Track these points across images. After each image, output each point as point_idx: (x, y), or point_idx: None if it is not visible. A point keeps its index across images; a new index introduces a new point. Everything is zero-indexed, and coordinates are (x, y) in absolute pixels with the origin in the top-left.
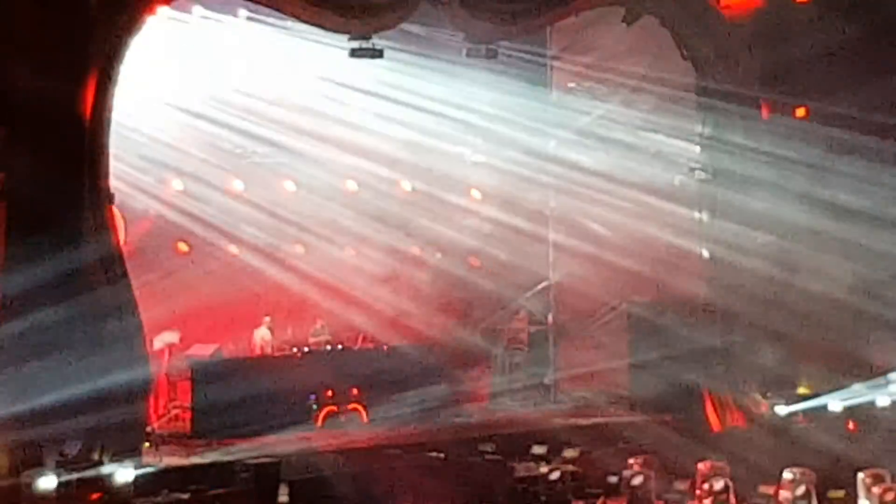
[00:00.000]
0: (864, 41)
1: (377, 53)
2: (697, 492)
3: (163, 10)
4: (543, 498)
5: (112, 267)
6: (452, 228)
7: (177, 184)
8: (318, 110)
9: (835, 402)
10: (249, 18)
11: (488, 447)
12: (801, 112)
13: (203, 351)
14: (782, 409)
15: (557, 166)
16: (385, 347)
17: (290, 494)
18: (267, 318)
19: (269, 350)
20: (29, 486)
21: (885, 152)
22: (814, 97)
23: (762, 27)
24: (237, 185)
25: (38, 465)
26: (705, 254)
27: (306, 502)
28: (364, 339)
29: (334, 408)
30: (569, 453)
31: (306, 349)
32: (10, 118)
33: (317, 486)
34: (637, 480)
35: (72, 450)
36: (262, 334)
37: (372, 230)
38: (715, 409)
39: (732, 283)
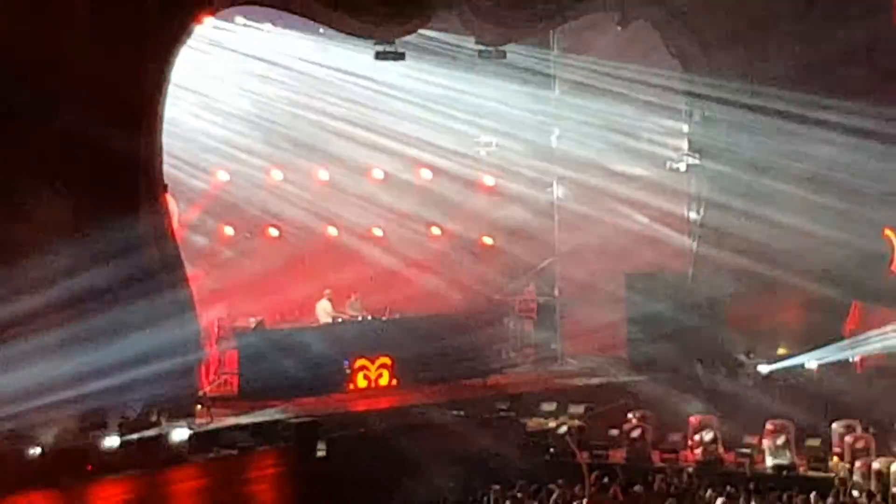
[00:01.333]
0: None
1: (399, 56)
2: (689, 442)
3: (209, 20)
4: (552, 449)
5: (166, 249)
6: (467, 211)
7: (222, 175)
8: (346, 107)
9: (811, 362)
10: (286, 26)
11: (503, 405)
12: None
13: (248, 323)
14: (764, 368)
15: (560, 157)
16: (410, 317)
17: (327, 450)
18: (328, 291)
19: (329, 320)
20: (96, 445)
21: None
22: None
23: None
24: (276, 175)
25: (102, 427)
26: (694, 219)
27: (341, 456)
28: (392, 310)
29: (366, 371)
30: (574, 410)
31: (340, 319)
32: (70, 119)
33: (351, 442)
34: (635, 433)
35: (132, 413)
36: (324, 306)
37: (397, 215)
38: (705, 368)
39: (718, 258)
